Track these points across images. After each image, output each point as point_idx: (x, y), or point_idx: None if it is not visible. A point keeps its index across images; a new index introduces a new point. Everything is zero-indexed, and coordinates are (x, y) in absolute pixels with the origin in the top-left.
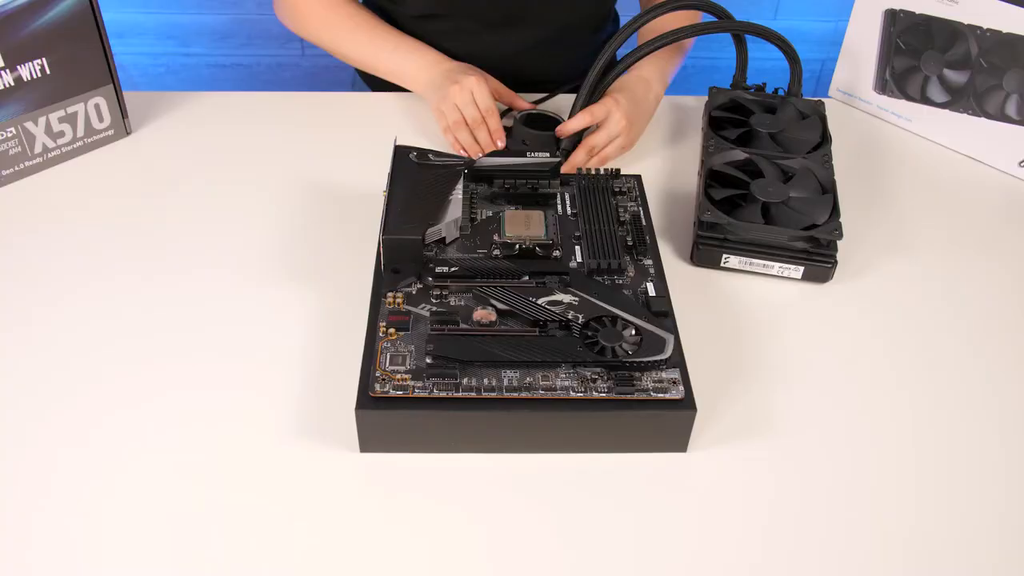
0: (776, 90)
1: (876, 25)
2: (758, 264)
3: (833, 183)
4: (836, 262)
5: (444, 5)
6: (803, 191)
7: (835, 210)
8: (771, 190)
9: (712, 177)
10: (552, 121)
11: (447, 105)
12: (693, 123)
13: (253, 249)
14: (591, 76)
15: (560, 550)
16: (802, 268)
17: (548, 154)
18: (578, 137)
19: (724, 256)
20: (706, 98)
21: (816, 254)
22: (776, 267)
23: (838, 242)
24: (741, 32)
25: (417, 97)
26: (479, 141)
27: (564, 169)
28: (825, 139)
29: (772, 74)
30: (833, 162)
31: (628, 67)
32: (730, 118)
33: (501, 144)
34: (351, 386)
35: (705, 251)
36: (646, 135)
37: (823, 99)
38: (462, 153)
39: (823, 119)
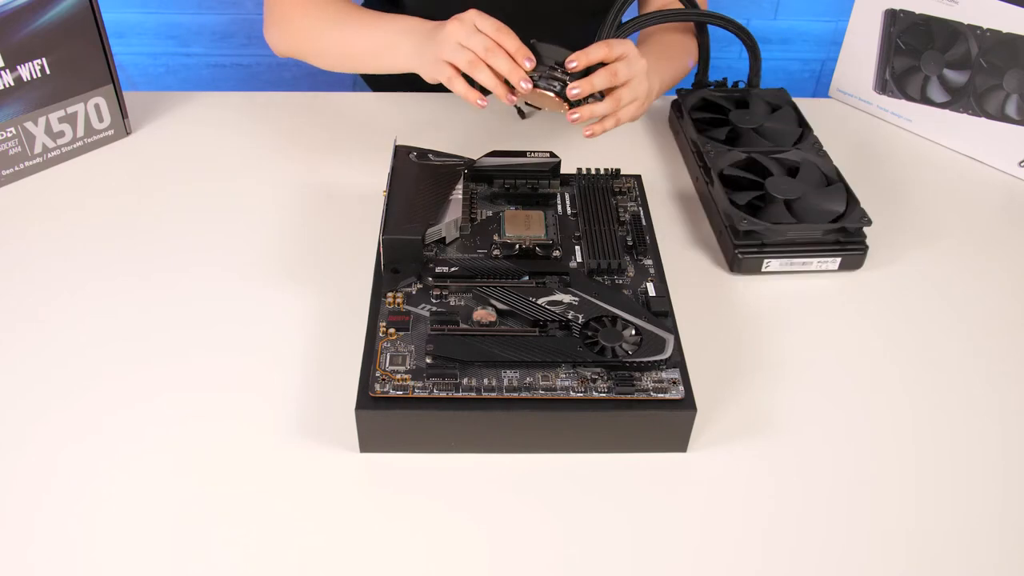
0: (736, 83)
1: (876, 25)
2: (798, 263)
3: (837, 170)
4: (867, 247)
5: (442, 10)
6: (812, 183)
7: (851, 197)
8: (785, 187)
9: (723, 182)
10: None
11: (448, 48)
12: None
13: (253, 249)
14: (609, 21)
15: (560, 550)
16: (839, 259)
17: (548, 153)
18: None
19: (765, 261)
20: (671, 97)
21: (848, 243)
22: (815, 262)
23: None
24: (705, 22)
25: (418, 96)
26: (501, 71)
27: (581, 91)
28: (804, 126)
29: (772, 74)
30: (826, 151)
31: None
32: (710, 118)
33: (530, 64)
34: (351, 386)
35: (746, 260)
36: (647, 134)
37: (783, 88)
38: (480, 104)
39: (795, 107)
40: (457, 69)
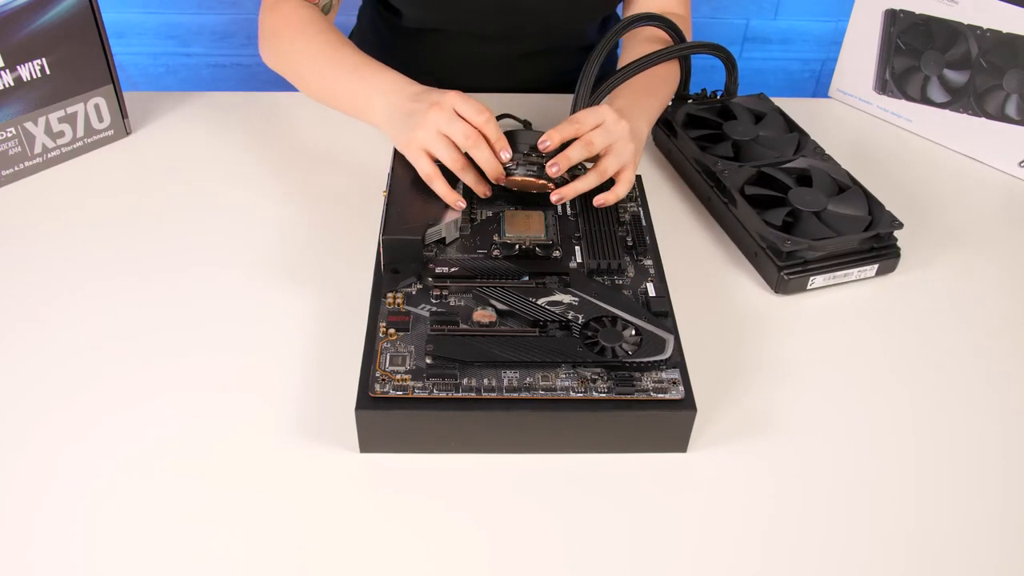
0: (714, 92)
1: (876, 25)
2: (840, 275)
3: (848, 174)
4: (900, 250)
5: (440, 20)
6: (828, 191)
7: (873, 201)
8: (808, 199)
9: (751, 202)
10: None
11: (428, 136)
12: None
13: (253, 249)
14: (581, 89)
15: (560, 550)
16: (876, 265)
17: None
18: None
19: (811, 279)
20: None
21: (881, 248)
22: (855, 272)
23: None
24: (684, 55)
25: None
26: (480, 163)
27: (559, 167)
28: (799, 131)
29: (772, 74)
30: (829, 154)
31: (604, 93)
32: (708, 134)
33: (507, 155)
34: (351, 386)
35: (793, 281)
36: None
37: (762, 93)
38: (459, 207)
39: (780, 111)
40: (436, 161)
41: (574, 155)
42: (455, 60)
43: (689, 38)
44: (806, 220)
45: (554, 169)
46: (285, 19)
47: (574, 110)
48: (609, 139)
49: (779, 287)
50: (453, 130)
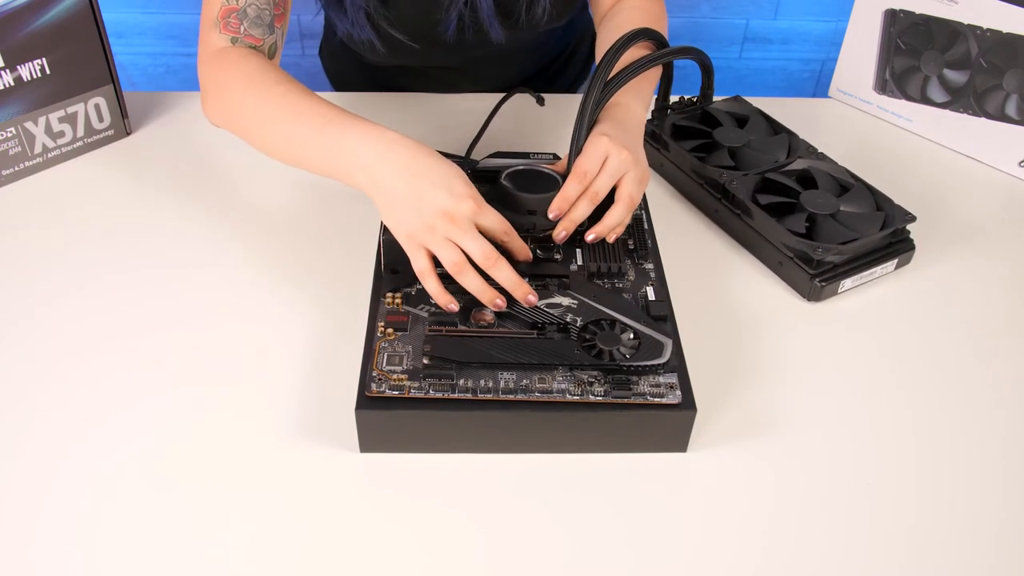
0: (691, 98)
1: (876, 25)
2: (866, 275)
3: (848, 172)
4: (914, 242)
5: (409, 61)
6: (834, 190)
7: (879, 196)
8: (820, 202)
9: (767, 210)
10: (539, 175)
11: (436, 239)
12: None
13: (253, 249)
14: (580, 129)
15: (559, 550)
16: (895, 260)
17: (552, 155)
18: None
19: (841, 283)
20: None
21: (897, 243)
22: (878, 270)
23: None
24: (672, 59)
25: (418, 98)
26: (503, 284)
27: (567, 232)
28: (786, 132)
29: (772, 74)
30: (823, 152)
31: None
32: (702, 144)
33: (533, 299)
34: (351, 386)
35: (827, 288)
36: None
37: (737, 95)
38: (451, 308)
39: (760, 112)
40: (432, 256)
41: (578, 215)
42: (431, 84)
43: (664, 22)
44: (823, 223)
45: (562, 235)
46: (234, 70)
47: (574, 145)
48: (615, 177)
49: (812, 295)
50: (469, 246)
